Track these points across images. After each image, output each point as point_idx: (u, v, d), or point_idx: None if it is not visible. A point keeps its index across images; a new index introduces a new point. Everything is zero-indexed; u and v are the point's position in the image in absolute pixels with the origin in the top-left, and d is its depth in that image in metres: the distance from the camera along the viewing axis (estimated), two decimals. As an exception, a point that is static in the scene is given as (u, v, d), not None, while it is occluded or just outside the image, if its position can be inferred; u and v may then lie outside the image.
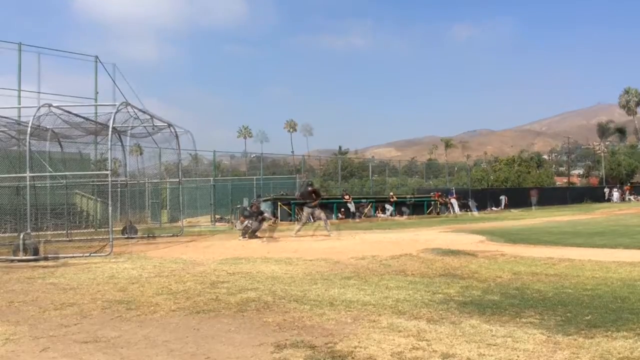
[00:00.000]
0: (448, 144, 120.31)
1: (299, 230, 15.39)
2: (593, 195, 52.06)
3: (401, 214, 31.49)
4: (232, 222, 23.17)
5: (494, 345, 4.13)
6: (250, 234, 14.75)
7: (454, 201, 35.16)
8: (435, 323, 4.85)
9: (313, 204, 15.67)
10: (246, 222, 14.94)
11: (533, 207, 39.23)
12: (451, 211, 34.29)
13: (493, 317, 5.04)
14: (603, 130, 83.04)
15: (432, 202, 34.00)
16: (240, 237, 14.56)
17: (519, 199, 41.96)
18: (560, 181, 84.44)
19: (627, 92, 75.11)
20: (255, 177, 33.87)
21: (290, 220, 24.82)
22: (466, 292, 6.27)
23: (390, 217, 30.39)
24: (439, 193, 35.17)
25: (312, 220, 16.10)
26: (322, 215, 15.80)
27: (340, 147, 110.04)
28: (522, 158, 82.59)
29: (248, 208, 15.81)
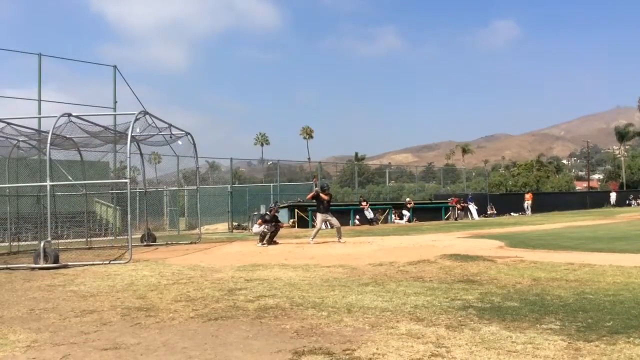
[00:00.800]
0: (465, 149, 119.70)
1: (314, 237, 15.37)
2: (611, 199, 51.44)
3: (418, 219, 31.37)
4: (249, 229, 23.25)
5: (514, 352, 4.08)
6: (268, 239, 14.79)
7: (472, 206, 34.96)
8: (455, 330, 4.81)
9: (323, 205, 15.61)
10: (262, 227, 14.98)
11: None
12: (469, 216, 34.09)
13: (513, 323, 4.99)
14: (622, 134, 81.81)
15: (450, 208, 33.83)
16: (258, 243, 14.61)
17: (538, 204, 41.60)
18: (580, 185, 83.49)
19: (647, 95, 74.03)
20: (272, 184, 34.00)
21: (307, 227, 24.83)
22: (485, 299, 6.22)
23: (407, 223, 30.28)
24: (457, 199, 34.97)
25: (328, 227, 16.07)
26: (335, 221, 15.76)
27: (356, 154, 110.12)
28: (541, 162, 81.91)
29: (268, 212, 15.86)
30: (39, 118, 18.51)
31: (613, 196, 50.62)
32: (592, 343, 4.24)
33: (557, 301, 5.95)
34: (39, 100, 22.76)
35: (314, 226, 18.44)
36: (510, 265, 9.15)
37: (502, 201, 41.11)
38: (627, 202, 51.35)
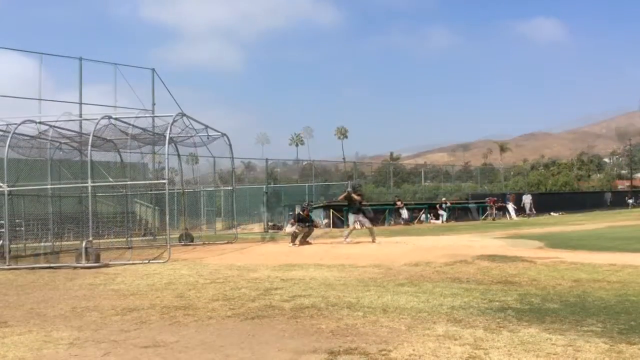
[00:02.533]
0: (503, 148, 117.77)
1: (347, 236, 15.34)
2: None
3: (455, 219, 31.02)
4: (284, 229, 23.36)
5: (553, 354, 4.00)
6: (301, 239, 14.81)
7: (510, 206, 34.29)
8: (493, 332, 4.74)
9: (356, 207, 15.58)
10: (295, 226, 15.00)
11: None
12: (507, 216, 33.52)
13: (553, 325, 4.89)
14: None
15: (488, 207, 33.32)
16: (290, 244, 14.62)
17: (577, 202, 40.70)
18: (623, 184, 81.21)
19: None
20: (307, 184, 34.09)
21: (343, 227, 24.82)
22: (524, 300, 6.11)
23: (443, 223, 29.98)
24: (495, 199, 34.39)
25: (360, 227, 16.01)
26: (367, 222, 15.71)
27: (391, 153, 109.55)
28: (582, 161, 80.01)
29: (301, 212, 15.88)
30: (80, 120, 19.02)
31: (608, 196, 47.84)
32: (635, 346, 4.13)
33: (598, 303, 5.82)
34: (80, 104, 23.38)
35: (347, 226, 18.37)
36: (550, 266, 8.97)
37: (541, 201, 40.26)
38: None
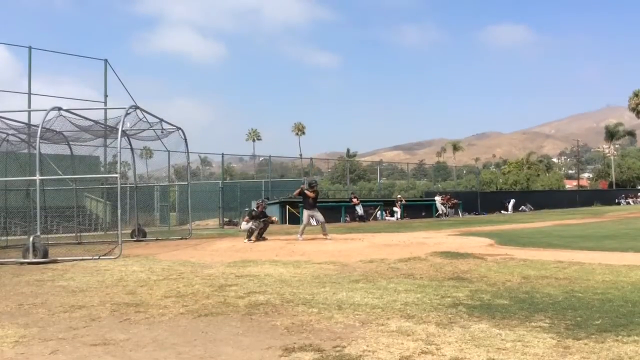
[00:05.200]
0: (456, 147, 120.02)
1: (302, 233, 15.37)
2: (602, 198, 51.84)
3: (409, 217, 31.44)
4: (239, 226, 23.21)
5: (503, 349, 4.10)
6: (256, 236, 14.74)
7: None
8: (445, 327, 4.82)
9: (309, 202, 15.62)
10: (250, 223, 14.92)
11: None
12: (460, 214, 34.21)
13: (503, 321, 5.01)
14: (612, 133, 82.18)
15: (440, 205, 33.90)
16: (246, 240, 14.54)
17: (530, 202, 41.86)
18: (570, 184, 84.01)
19: (636, 94, 74.34)
20: (263, 180, 33.95)
21: (298, 224, 24.82)
22: (475, 296, 6.24)
23: (398, 220, 30.35)
24: (448, 196, 35.04)
25: (316, 224, 16.07)
26: (320, 216, 15.82)
27: (348, 150, 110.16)
28: (531, 161, 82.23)
29: (255, 209, 15.78)
30: (29, 112, 18.40)
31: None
32: (581, 341, 4.26)
33: (546, 299, 5.98)
34: (29, 94, 22.63)
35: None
36: (500, 262, 9.19)
37: (491, 199, 41.28)
38: (617, 200, 51.70)
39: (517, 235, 15.71)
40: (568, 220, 24.72)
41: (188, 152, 18.39)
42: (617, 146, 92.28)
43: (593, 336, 4.39)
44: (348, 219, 28.92)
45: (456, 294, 6.37)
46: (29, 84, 22.75)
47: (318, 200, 16.57)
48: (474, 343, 4.27)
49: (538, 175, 70.51)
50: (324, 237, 14.99)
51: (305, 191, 15.60)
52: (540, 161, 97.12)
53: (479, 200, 39.07)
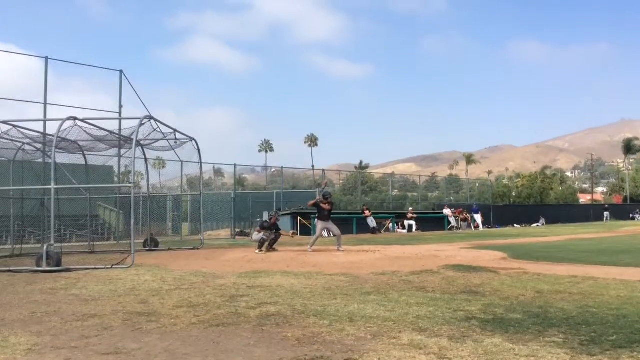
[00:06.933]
0: (469, 160, 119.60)
1: (313, 244, 15.33)
2: (616, 213, 51.32)
3: (421, 229, 31.30)
4: (251, 236, 23.26)
5: (517, 364, 4.05)
6: (267, 247, 14.74)
7: (477, 217, 34.81)
8: (457, 341, 4.78)
9: (323, 214, 15.56)
10: (262, 234, 14.93)
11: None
12: (472, 227, 34.02)
13: (516, 335, 4.96)
14: (628, 147, 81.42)
15: (453, 218, 33.75)
16: (257, 250, 14.55)
17: (542, 215, 41.51)
18: (584, 198, 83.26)
19: (651, 108, 73.75)
20: (275, 191, 34.01)
21: (310, 235, 24.80)
22: (488, 310, 6.19)
23: (410, 232, 30.22)
24: (461, 209, 34.89)
25: (328, 235, 16.01)
26: (336, 229, 15.74)
27: (361, 162, 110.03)
28: (545, 174, 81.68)
29: (268, 220, 15.80)
30: (45, 121, 18.61)
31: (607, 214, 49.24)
32: (595, 357, 4.21)
33: (560, 314, 5.92)
34: (45, 104, 22.88)
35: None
36: (513, 277, 9.11)
37: (505, 212, 41.03)
38: (631, 216, 51.16)
39: (531, 249, 15.59)
40: (582, 234, 24.48)
41: (201, 163, 18.48)
42: (631, 160, 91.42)
43: (608, 352, 4.33)
44: (360, 231, 28.78)
45: (469, 308, 6.32)
46: (45, 94, 23.02)
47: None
48: (487, 357, 4.23)
49: (552, 188, 69.94)
50: (337, 249, 14.95)
51: (320, 203, 15.58)
52: (554, 175, 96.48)
53: (492, 213, 38.80)
